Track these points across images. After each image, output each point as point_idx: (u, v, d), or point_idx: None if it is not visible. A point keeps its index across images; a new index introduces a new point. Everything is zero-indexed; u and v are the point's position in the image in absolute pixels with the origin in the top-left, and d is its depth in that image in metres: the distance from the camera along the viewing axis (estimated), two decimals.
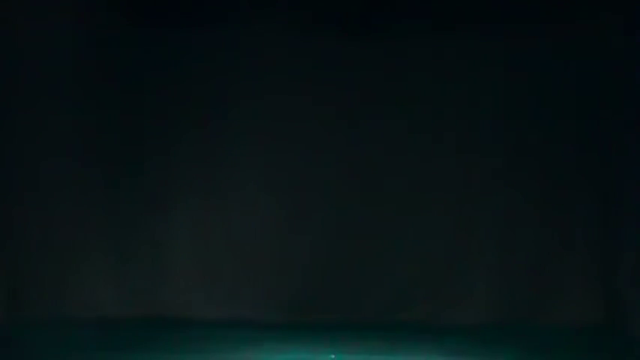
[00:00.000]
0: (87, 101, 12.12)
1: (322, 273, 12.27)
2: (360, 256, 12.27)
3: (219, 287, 12.30)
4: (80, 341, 10.87)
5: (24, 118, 12.01)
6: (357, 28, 12.09)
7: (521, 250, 12.21)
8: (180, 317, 12.05)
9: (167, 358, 10.12)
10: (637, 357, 10.73)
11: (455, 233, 12.28)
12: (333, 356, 10.12)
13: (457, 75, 12.22)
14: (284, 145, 12.32)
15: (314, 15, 11.99)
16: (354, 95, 12.25)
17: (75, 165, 12.15)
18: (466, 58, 12.21)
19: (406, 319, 12.08)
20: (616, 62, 11.84)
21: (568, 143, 12.18)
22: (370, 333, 11.37)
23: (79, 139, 12.14)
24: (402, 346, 10.78)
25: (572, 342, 11.38)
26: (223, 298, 12.25)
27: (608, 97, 12.01)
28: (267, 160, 12.32)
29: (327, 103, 12.26)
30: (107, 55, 12.15)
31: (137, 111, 12.24)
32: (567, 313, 12.06)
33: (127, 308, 12.09)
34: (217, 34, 12.19)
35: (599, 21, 11.85)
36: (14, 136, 11.99)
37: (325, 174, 12.31)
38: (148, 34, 12.22)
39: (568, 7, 11.79)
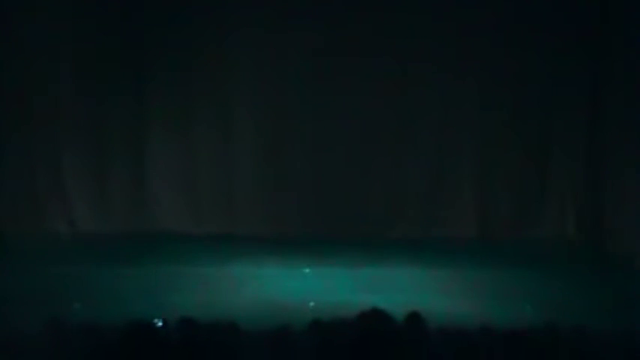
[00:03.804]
0: (79, 15, 12.06)
1: (308, 189, 12.36)
2: (346, 173, 12.36)
3: (204, 202, 12.36)
4: (61, 257, 10.95)
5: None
6: None
7: (503, 168, 12.40)
8: (166, 232, 12.06)
9: (155, 272, 10.28)
10: (614, 270, 11.01)
11: (439, 153, 12.44)
12: (307, 269, 10.41)
13: None
14: (270, 67, 12.27)
15: None
16: (340, 24, 12.16)
17: (57, 80, 12.09)
18: None
19: (390, 234, 12.20)
20: None
21: (550, 63, 12.25)
22: (355, 248, 11.47)
23: (62, 54, 12.08)
24: (384, 260, 10.99)
25: (553, 255, 11.66)
26: (208, 213, 12.32)
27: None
28: (254, 81, 12.30)
29: (315, 32, 12.15)
30: None
31: (125, 26, 12.13)
32: (548, 228, 12.30)
33: (112, 224, 12.13)
34: None
35: None
36: None
37: (312, 95, 12.31)
38: None
39: None
